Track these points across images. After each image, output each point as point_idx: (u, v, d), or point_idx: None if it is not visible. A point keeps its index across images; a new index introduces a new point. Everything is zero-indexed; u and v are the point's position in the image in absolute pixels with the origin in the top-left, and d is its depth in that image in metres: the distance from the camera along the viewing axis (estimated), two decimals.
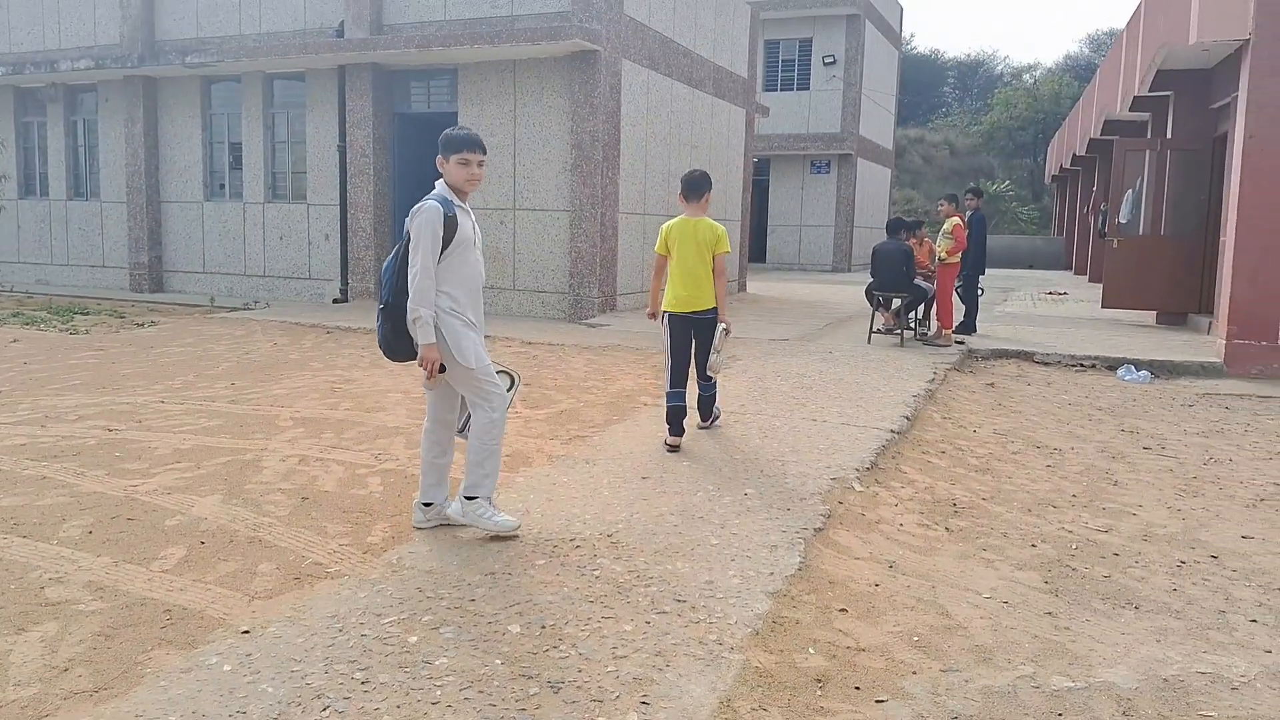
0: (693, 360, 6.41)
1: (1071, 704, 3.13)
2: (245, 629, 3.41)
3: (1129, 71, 15.29)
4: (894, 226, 11.38)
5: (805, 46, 27.85)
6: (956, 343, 11.33)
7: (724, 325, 6.28)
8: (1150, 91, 13.98)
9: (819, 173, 27.96)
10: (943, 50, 79.98)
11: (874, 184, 30.89)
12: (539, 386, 8.24)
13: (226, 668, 3.11)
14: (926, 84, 62.19)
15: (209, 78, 15.79)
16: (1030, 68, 62.34)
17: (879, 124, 30.86)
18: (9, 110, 17.61)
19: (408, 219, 4.29)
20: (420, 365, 4.27)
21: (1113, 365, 10.22)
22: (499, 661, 3.17)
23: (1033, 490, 5.77)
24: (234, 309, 13.93)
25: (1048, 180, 40.56)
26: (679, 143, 15.50)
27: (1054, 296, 19.82)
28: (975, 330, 12.17)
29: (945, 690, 3.20)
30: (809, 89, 27.83)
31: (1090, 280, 24.74)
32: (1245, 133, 9.80)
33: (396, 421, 6.84)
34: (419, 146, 15.13)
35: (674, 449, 6.10)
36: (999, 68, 65.84)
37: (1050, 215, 46.15)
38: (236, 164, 15.85)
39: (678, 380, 6.31)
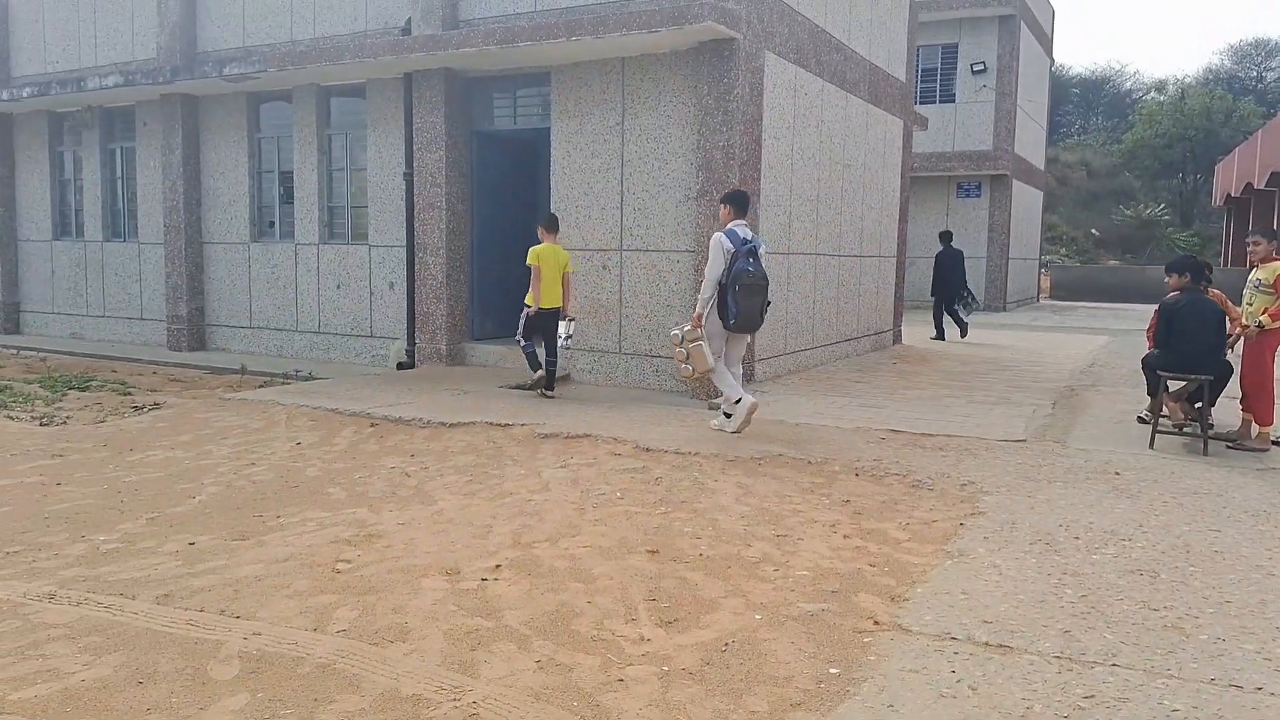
0: None
1: None
2: None
3: None
4: (1191, 269, 7.81)
5: (950, 53, 24.18)
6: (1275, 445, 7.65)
7: None
8: None
9: (967, 196, 24.17)
10: (1065, 65, 74.21)
11: (1027, 208, 26.92)
12: (672, 558, 4.94)
13: None
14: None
15: (257, 95, 13.13)
16: (1161, 83, 56.83)
17: (1032, 140, 26.92)
18: (43, 138, 15.33)
19: None
20: None
21: None
22: None
23: None
24: (264, 383, 11.06)
25: (1217, 203, 35.58)
26: (830, 161, 12.13)
27: None
28: None
29: None
30: (954, 101, 24.13)
31: None
32: None
33: (421, 669, 3.64)
34: (503, 173, 12.11)
35: None
36: (1127, 83, 60.51)
37: (1212, 242, 40.92)
38: (288, 197, 13.13)
39: None
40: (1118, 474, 6.60)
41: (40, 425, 8.55)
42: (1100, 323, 21.49)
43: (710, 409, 8.61)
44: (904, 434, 7.81)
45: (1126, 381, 11.30)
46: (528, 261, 9.38)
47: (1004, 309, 24.16)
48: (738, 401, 7.58)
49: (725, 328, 7.58)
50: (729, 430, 7.71)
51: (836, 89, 12.07)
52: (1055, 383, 11.06)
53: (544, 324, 9.46)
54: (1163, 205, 43.07)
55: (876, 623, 4.09)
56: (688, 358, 7.60)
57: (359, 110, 12.35)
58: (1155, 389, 8.17)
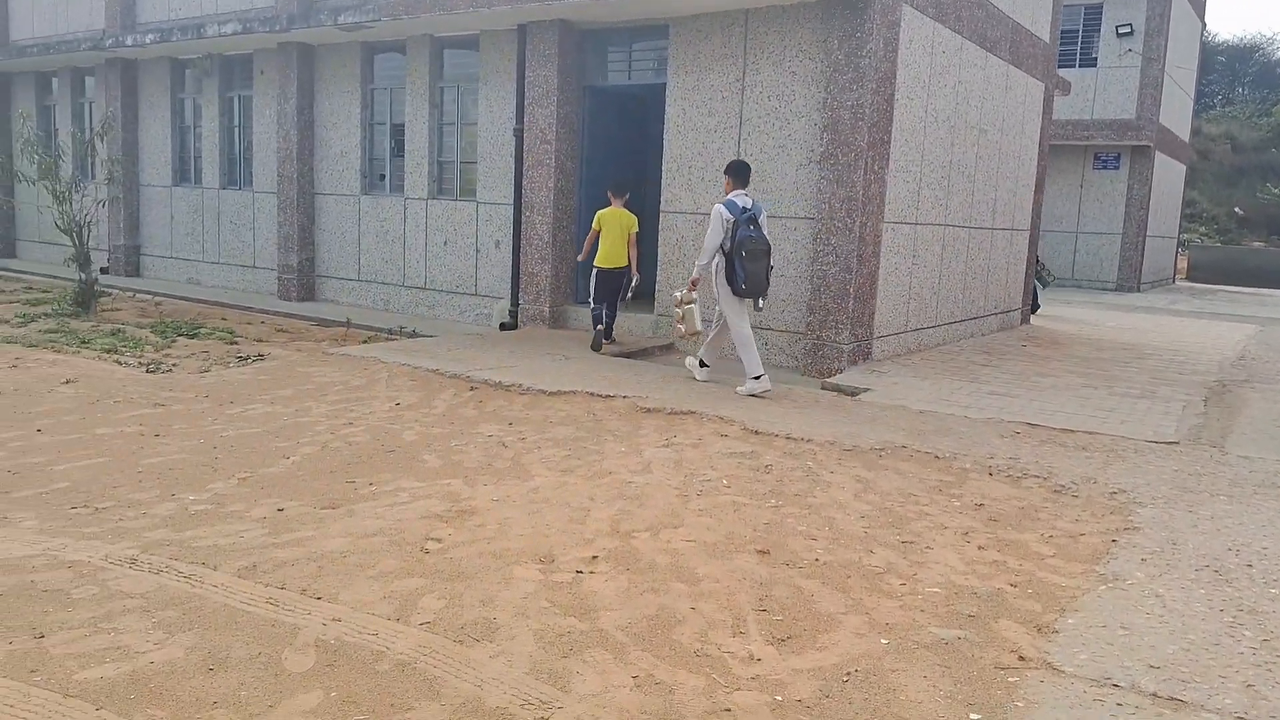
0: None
1: None
2: None
3: None
4: None
5: (1093, 13, 22.57)
6: None
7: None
8: None
9: (1105, 167, 22.67)
10: (1210, 32, 69.00)
11: (1169, 183, 25.15)
12: (784, 561, 4.48)
13: None
14: None
15: (370, 45, 12.96)
16: None
17: (1178, 110, 25.06)
18: (165, 85, 15.54)
19: None
20: None
21: None
22: None
23: None
24: (368, 338, 10.96)
25: None
26: (964, 125, 11.29)
27: None
28: None
29: None
30: (1095, 65, 22.56)
31: None
32: None
33: (508, 676, 3.29)
34: (615, 131, 11.67)
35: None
36: (1279, 53, 56.12)
37: None
38: (399, 150, 12.97)
39: None
40: None
41: (147, 372, 8.57)
42: (1245, 309, 19.93)
43: (688, 365, 8.80)
44: (1041, 428, 7.14)
45: None
46: (593, 226, 9.89)
47: (1138, 290, 22.67)
48: (757, 378, 7.94)
49: (734, 293, 7.90)
50: (697, 378, 8.38)
51: (976, 47, 11.20)
52: (1204, 376, 10.11)
53: (608, 283, 9.85)
54: None
55: (1022, 658, 3.57)
56: (683, 318, 8.27)
57: (472, 63, 12.05)
58: None
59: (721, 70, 9.86)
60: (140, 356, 9.22)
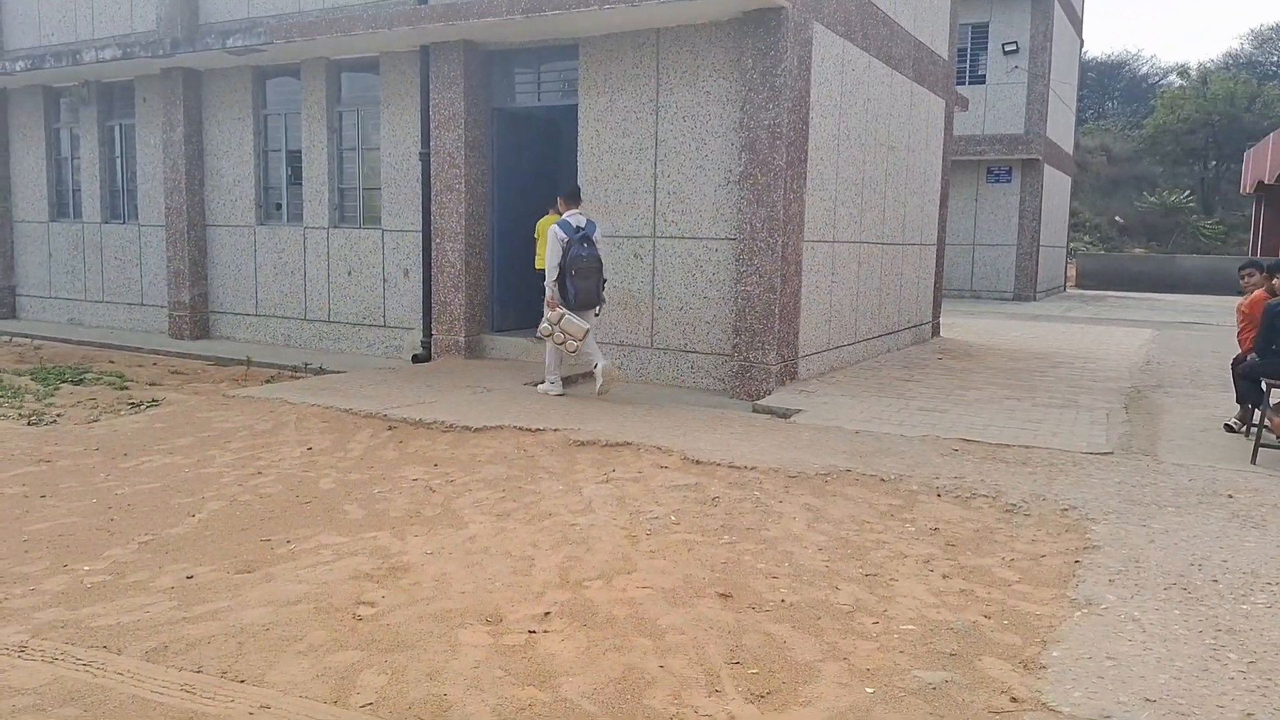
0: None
1: None
2: None
3: None
4: (1271, 267, 7.12)
5: (980, 32, 23.29)
6: None
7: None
8: None
9: (998, 181, 23.34)
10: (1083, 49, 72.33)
11: (1057, 195, 26.08)
12: (749, 604, 4.22)
13: None
14: None
15: (262, 69, 12.36)
16: (1183, 67, 55.44)
17: (1063, 124, 26.06)
18: (38, 115, 14.58)
19: None
20: None
21: None
22: None
23: None
24: (271, 376, 10.36)
25: (1246, 190, 34.60)
26: (875, 142, 11.34)
27: None
28: None
29: None
30: (985, 83, 23.26)
31: None
32: None
33: None
34: (526, 154, 11.36)
35: None
36: (1143, 68, 59.23)
37: (1237, 230, 39.90)
38: (296, 178, 12.38)
39: None
40: (1231, 497, 5.85)
41: (29, 424, 7.86)
42: (1137, 314, 20.69)
43: (538, 385, 9.09)
44: (977, 444, 7.07)
45: (1191, 382, 10.55)
46: (535, 235, 10.17)
47: (1034, 298, 23.36)
48: (596, 366, 8.57)
49: (569, 307, 8.50)
50: (551, 394, 8.79)
51: (883, 65, 11.28)
52: (1117, 382, 10.30)
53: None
54: (1187, 192, 41.99)
55: (1014, 699, 3.37)
56: (565, 338, 8.50)
57: (372, 86, 11.59)
58: (1248, 397, 7.45)
59: (634, 91, 9.66)
60: (20, 407, 8.47)
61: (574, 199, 8.86)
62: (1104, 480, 6.15)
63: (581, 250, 8.45)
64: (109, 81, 13.75)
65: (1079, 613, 4.10)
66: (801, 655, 3.71)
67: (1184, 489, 6.00)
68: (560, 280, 8.46)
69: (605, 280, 8.89)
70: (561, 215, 8.73)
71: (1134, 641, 3.82)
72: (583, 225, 8.59)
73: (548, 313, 8.59)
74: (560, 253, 8.43)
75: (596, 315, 8.85)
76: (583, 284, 8.47)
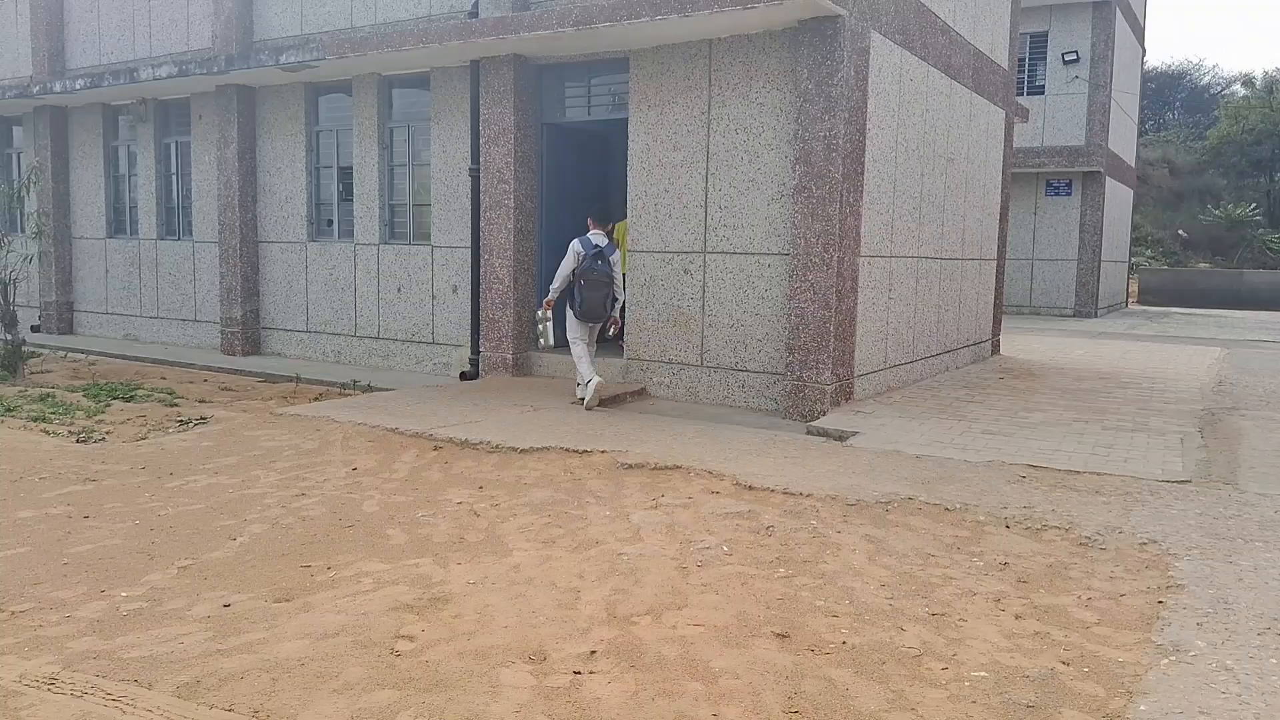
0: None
1: None
2: None
3: None
4: None
5: (1039, 41, 22.78)
6: None
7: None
8: None
9: (1057, 194, 22.76)
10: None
11: (1119, 208, 25.38)
12: (808, 646, 3.96)
13: None
14: None
15: (315, 86, 12.41)
16: (1248, 76, 53.92)
17: (1125, 135, 25.36)
18: (97, 133, 14.82)
19: None
20: None
21: None
22: None
23: None
24: (319, 394, 10.31)
25: None
26: (933, 154, 11.02)
27: None
28: None
29: None
30: (1043, 93, 22.73)
31: None
32: None
33: None
34: (575, 169, 11.23)
35: None
36: (1205, 78, 57.69)
37: None
38: (347, 194, 12.39)
39: None
40: None
41: (77, 442, 7.86)
42: (1204, 331, 19.98)
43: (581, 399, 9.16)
44: (1046, 470, 6.73)
45: (1268, 404, 10.05)
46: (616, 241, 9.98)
47: (1095, 315, 22.71)
48: (588, 382, 8.82)
49: (575, 315, 8.90)
50: (585, 404, 8.89)
51: (941, 75, 10.97)
52: (1189, 404, 9.84)
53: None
54: (1253, 205, 40.72)
55: None
56: (542, 332, 9.29)
57: (422, 101, 11.56)
58: None
59: (685, 103, 9.47)
60: (70, 424, 8.50)
61: (603, 220, 9.15)
62: (1184, 511, 5.79)
63: (595, 265, 8.81)
64: (166, 99, 13.92)
65: (1165, 660, 3.79)
66: (866, 704, 3.46)
67: (1271, 521, 5.62)
68: (570, 290, 8.89)
69: (618, 300, 9.14)
70: (590, 231, 9.02)
71: (1229, 694, 3.50)
72: (602, 245, 8.92)
73: (540, 312, 9.26)
74: (574, 264, 8.83)
75: (610, 337, 9.48)
76: (590, 295, 8.80)
